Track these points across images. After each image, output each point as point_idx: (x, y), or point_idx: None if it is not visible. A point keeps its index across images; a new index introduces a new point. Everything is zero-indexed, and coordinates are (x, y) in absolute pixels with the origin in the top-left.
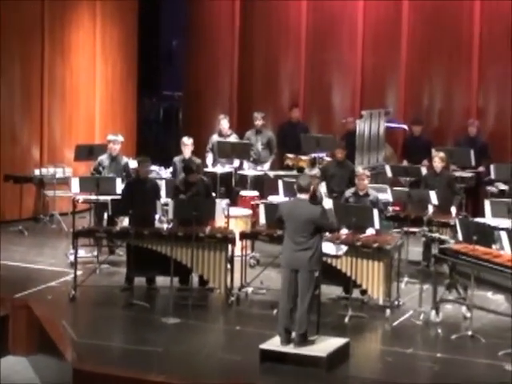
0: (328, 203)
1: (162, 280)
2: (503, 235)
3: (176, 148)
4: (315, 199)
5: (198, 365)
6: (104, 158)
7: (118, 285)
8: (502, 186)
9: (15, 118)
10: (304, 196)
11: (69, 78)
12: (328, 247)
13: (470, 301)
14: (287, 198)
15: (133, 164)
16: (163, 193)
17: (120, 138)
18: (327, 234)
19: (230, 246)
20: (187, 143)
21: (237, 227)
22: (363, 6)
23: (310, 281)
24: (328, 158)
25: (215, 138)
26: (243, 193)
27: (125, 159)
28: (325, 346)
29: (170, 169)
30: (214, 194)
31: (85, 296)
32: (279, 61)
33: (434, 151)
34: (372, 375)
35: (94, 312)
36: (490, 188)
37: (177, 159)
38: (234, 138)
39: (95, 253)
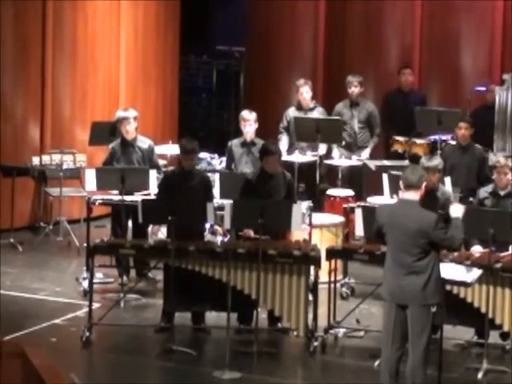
0: (457, 210)
1: (214, 317)
2: None
3: (235, 127)
4: (434, 202)
5: None
6: (116, 146)
7: (151, 323)
8: None
9: (5, 85)
10: (413, 196)
11: (82, 28)
12: (452, 271)
13: None
14: (395, 200)
15: (172, 149)
16: (217, 191)
17: (133, 114)
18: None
19: (312, 269)
20: (248, 118)
21: (323, 241)
22: None
23: (424, 320)
24: (454, 142)
25: (292, 112)
26: (332, 191)
27: (147, 142)
28: None
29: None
30: None
31: (103, 339)
32: (384, 5)
33: None
34: None
35: (116, 362)
36: None
37: (234, 143)
38: (318, 113)
39: (119, 278)
